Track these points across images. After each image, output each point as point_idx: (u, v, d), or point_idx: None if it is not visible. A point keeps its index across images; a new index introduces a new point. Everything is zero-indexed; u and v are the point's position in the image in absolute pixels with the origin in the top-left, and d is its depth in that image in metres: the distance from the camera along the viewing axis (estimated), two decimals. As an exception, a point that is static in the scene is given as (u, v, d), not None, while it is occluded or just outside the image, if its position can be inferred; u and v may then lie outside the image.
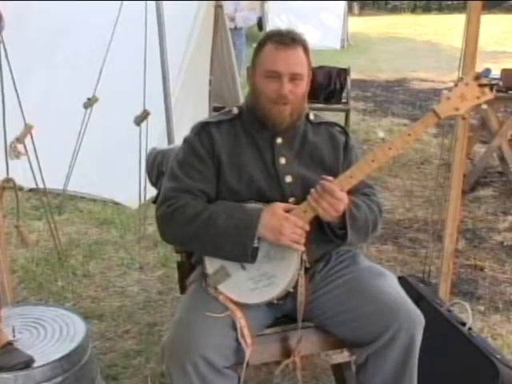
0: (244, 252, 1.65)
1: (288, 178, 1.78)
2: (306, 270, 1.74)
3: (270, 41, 1.74)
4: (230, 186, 1.77)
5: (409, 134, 1.69)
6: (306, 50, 1.76)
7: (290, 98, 1.73)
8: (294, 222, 1.64)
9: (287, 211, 1.67)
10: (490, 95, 1.69)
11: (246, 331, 1.65)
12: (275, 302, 1.74)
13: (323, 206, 1.64)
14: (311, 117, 1.89)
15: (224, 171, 1.78)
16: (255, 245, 1.66)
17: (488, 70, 1.65)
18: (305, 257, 1.70)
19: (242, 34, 7.05)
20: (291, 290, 1.70)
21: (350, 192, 1.71)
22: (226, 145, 1.80)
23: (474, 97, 1.68)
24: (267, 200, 1.74)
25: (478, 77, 1.68)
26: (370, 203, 1.84)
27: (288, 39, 1.72)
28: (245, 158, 1.79)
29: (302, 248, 1.67)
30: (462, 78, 1.75)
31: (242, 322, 1.65)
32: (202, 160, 1.78)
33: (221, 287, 1.71)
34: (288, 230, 1.63)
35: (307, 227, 1.66)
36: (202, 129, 1.82)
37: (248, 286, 1.69)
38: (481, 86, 1.67)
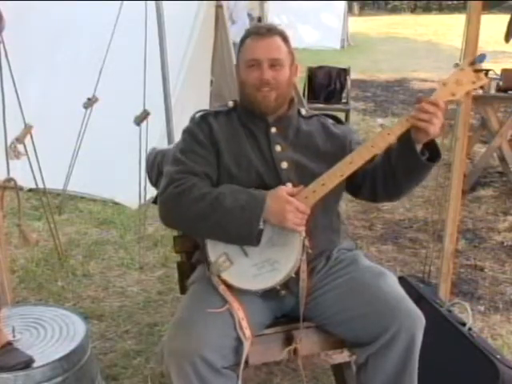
0: (249, 233, 1.66)
1: (284, 164, 1.82)
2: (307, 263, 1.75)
3: (248, 35, 1.84)
4: (229, 171, 1.81)
5: (406, 120, 1.71)
6: (284, 38, 1.84)
7: (272, 84, 1.79)
8: (297, 206, 1.66)
9: (291, 195, 1.69)
10: (484, 80, 1.73)
11: (244, 323, 1.65)
12: (278, 287, 1.75)
13: (435, 122, 1.65)
14: (303, 112, 1.95)
15: (223, 157, 1.81)
16: (260, 227, 1.67)
17: (483, 56, 1.68)
18: (307, 242, 1.71)
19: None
20: (293, 275, 1.71)
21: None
22: (224, 133, 1.85)
23: (469, 82, 1.71)
24: (265, 185, 1.77)
25: (473, 62, 1.71)
26: None
27: (264, 29, 1.82)
28: (243, 145, 1.84)
29: (303, 232, 1.69)
30: (457, 64, 1.78)
31: (239, 313, 1.66)
32: (204, 145, 1.82)
33: (224, 275, 1.71)
34: (291, 213, 1.65)
35: (308, 211, 1.68)
36: (200, 118, 1.89)
37: (251, 272, 1.71)
38: (476, 71, 1.70)
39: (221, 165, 1.82)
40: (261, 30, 1.82)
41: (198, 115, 1.90)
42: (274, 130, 1.86)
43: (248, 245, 1.70)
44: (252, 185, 1.77)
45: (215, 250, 1.74)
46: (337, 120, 2.00)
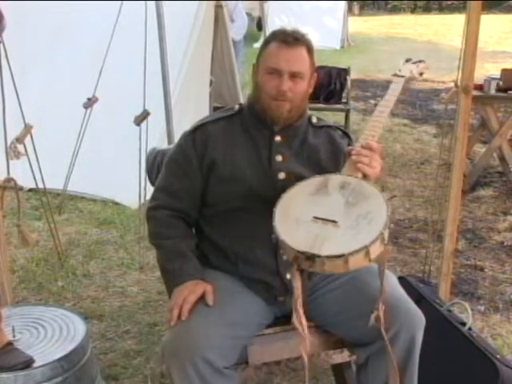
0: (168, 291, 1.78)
1: (281, 175, 1.80)
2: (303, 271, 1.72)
3: (274, 39, 1.78)
4: (222, 182, 1.80)
5: None
6: (309, 50, 1.79)
7: (289, 96, 1.76)
8: (185, 306, 1.64)
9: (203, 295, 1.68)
10: None
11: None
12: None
13: (374, 164, 1.66)
14: (314, 120, 1.91)
15: (218, 167, 1.80)
16: None
17: None
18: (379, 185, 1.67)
19: (239, 47, 7.07)
20: (390, 214, 1.58)
21: None
22: (221, 141, 1.82)
23: None
24: (259, 196, 1.75)
25: None
26: None
27: (291, 38, 1.76)
28: (239, 154, 1.81)
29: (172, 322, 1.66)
30: None
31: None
32: (189, 160, 1.83)
33: (323, 251, 1.49)
34: (178, 300, 1.67)
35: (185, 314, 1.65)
36: (198, 127, 1.86)
37: (349, 234, 1.55)
38: None
39: (213, 176, 1.81)
40: (288, 38, 1.75)
41: (197, 123, 1.88)
42: (278, 138, 1.82)
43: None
44: (244, 197, 1.77)
45: (298, 240, 1.54)
46: (347, 136, 1.96)
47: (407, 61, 2.07)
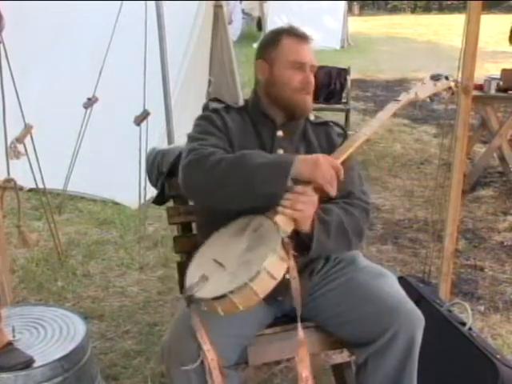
0: (276, 189, 1.60)
1: None
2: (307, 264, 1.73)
3: (287, 35, 1.84)
4: None
5: None
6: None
7: (311, 88, 1.83)
8: (330, 161, 1.62)
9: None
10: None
11: (214, 364, 1.56)
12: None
13: (298, 207, 1.59)
14: (311, 117, 1.94)
15: (233, 151, 1.79)
16: (289, 184, 1.59)
17: None
18: (286, 239, 1.57)
19: None
20: (273, 274, 1.54)
21: (326, 200, 1.69)
22: (236, 129, 1.84)
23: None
24: None
25: None
26: (347, 207, 1.78)
27: (302, 33, 1.85)
28: (249, 145, 1.82)
29: (334, 192, 1.61)
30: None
31: (209, 354, 1.55)
32: (220, 129, 1.81)
33: (199, 294, 1.54)
34: (324, 166, 1.59)
35: (341, 173, 1.61)
36: (213, 110, 1.87)
37: (227, 279, 1.55)
38: None
39: None
40: (301, 34, 1.84)
41: (211, 106, 1.89)
42: (280, 133, 1.85)
43: (273, 202, 1.61)
44: None
45: (190, 278, 1.61)
46: (344, 134, 1.96)
47: (432, 78, 2.04)
